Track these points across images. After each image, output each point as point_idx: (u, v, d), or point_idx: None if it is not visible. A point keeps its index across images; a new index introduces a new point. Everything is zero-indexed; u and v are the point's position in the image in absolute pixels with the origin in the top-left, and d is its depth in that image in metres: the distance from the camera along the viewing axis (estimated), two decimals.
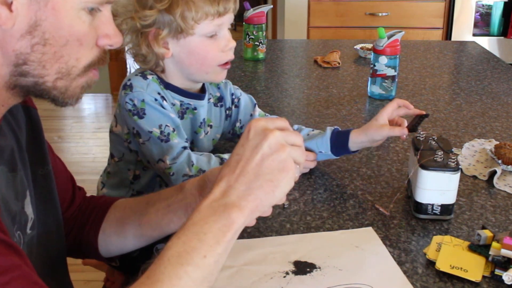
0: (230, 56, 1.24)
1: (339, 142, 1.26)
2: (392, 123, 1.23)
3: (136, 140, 1.21)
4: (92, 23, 0.75)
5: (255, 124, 0.72)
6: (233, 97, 1.37)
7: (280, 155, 0.71)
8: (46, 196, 0.90)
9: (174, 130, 1.19)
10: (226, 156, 1.23)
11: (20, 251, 0.68)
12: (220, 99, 1.36)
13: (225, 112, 1.37)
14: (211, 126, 1.34)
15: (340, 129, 1.28)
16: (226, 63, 1.24)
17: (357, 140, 1.25)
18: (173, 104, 1.24)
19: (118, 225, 1.01)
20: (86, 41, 0.75)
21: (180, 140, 1.20)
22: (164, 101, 1.21)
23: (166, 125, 1.19)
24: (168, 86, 1.24)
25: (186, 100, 1.26)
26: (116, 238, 1.02)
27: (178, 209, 0.95)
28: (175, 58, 1.22)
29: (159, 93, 1.21)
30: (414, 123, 1.19)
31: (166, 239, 1.33)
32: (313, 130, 1.34)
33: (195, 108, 1.28)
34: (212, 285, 0.69)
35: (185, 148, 1.19)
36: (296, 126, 1.38)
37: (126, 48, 1.24)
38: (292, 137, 0.73)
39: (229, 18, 1.21)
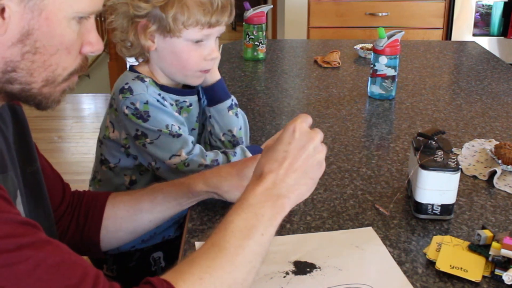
0: (211, 65, 1.25)
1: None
2: None
3: (138, 143, 1.20)
4: (79, 31, 0.76)
5: (300, 126, 0.83)
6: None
7: (320, 156, 0.84)
8: (36, 194, 0.90)
9: (179, 128, 1.20)
10: (231, 154, 1.22)
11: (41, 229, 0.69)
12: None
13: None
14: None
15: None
16: (206, 70, 1.26)
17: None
18: (171, 105, 1.25)
19: (127, 223, 1.08)
20: (73, 49, 0.76)
21: (189, 136, 1.22)
22: (165, 101, 1.22)
23: (172, 124, 1.19)
24: (162, 87, 1.24)
25: (181, 98, 1.27)
26: (123, 234, 1.09)
27: (190, 204, 1.10)
28: (159, 53, 1.22)
29: (159, 94, 1.22)
30: (431, 134, 1.15)
31: (160, 247, 1.35)
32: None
33: (190, 105, 1.29)
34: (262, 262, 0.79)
35: (192, 142, 1.21)
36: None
37: (117, 39, 1.23)
38: (322, 138, 0.85)
39: (218, 30, 1.22)
